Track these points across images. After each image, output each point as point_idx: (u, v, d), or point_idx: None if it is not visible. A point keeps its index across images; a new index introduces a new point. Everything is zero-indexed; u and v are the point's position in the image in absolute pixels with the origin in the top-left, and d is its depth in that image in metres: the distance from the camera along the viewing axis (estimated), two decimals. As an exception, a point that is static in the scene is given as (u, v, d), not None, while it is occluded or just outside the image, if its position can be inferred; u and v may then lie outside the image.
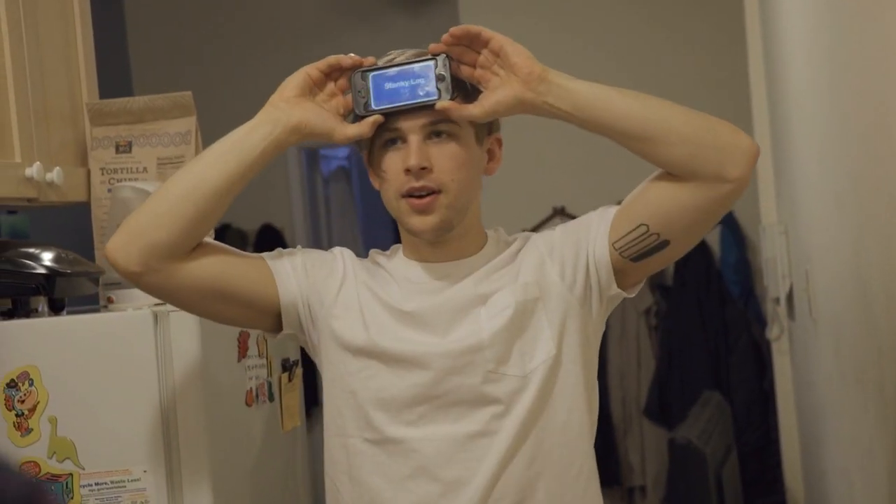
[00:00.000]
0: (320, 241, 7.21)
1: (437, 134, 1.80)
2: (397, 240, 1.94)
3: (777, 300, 4.39)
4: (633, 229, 1.80)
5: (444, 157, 1.80)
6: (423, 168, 1.78)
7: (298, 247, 1.95)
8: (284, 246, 1.94)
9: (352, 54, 1.84)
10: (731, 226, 5.25)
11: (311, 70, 1.83)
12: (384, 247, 1.98)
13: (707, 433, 3.94)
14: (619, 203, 1.85)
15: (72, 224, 2.89)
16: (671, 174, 1.77)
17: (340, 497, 1.88)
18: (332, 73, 1.85)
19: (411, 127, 1.80)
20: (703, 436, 3.85)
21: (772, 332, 4.60)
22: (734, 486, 4.26)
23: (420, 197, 1.80)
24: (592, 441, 1.88)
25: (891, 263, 2.13)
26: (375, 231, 7.97)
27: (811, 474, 4.11)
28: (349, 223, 7.93)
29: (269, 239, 6.24)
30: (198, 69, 6.24)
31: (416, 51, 1.85)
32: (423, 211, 1.80)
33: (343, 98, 1.84)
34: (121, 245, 1.79)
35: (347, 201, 7.97)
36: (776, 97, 4.15)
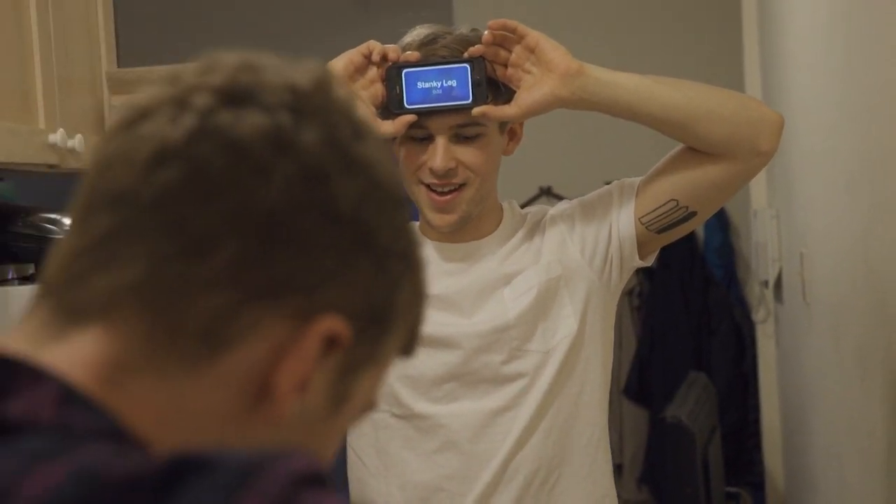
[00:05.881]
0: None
1: (465, 136, 1.83)
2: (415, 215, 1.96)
3: (765, 283, 4.43)
4: (663, 204, 1.86)
5: (470, 156, 1.83)
6: (449, 169, 1.81)
7: None
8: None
9: (388, 46, 1.83)
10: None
11: (354, 55, 1.83)
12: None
13: (695, 413, 3.98)
14: (638, 177, 1.91)
15: (55, 191, 2.88)
16: (699, 150, 1.81)
17: (364, 468, 1.91)
18: (373, 59, 1.84)
19: (440, 128, 1.82)
20: (690, 416, 3.90)
21: (758, 315, 4.65)
22: (718, 466, 4.32)
23: (442, 194, 1.82)
24: (605, 410, 1.93)
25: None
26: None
27: (793, 455, 4.16)
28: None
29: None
30: (186, 45, 6.20)
31: (446, 34, 1.85)
32: (443, 209, 1.83)
33: (382, 86, 1.84)
34: None
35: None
36: (772, 83, 4.18)
